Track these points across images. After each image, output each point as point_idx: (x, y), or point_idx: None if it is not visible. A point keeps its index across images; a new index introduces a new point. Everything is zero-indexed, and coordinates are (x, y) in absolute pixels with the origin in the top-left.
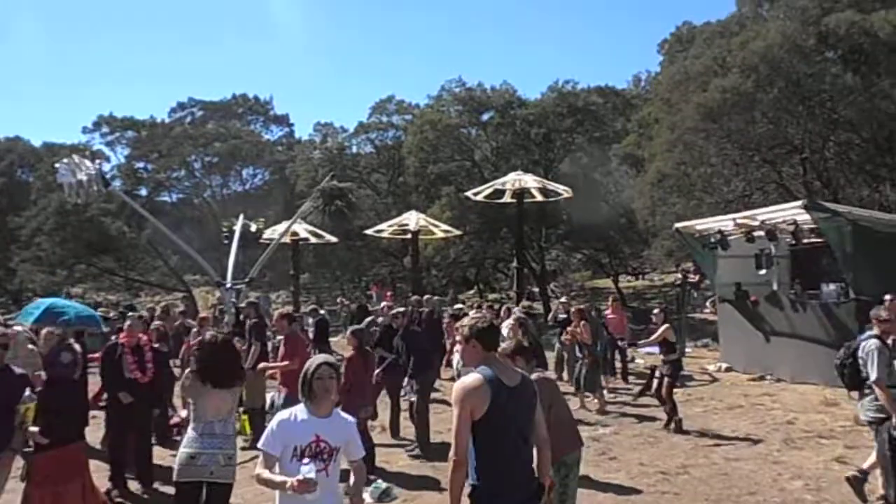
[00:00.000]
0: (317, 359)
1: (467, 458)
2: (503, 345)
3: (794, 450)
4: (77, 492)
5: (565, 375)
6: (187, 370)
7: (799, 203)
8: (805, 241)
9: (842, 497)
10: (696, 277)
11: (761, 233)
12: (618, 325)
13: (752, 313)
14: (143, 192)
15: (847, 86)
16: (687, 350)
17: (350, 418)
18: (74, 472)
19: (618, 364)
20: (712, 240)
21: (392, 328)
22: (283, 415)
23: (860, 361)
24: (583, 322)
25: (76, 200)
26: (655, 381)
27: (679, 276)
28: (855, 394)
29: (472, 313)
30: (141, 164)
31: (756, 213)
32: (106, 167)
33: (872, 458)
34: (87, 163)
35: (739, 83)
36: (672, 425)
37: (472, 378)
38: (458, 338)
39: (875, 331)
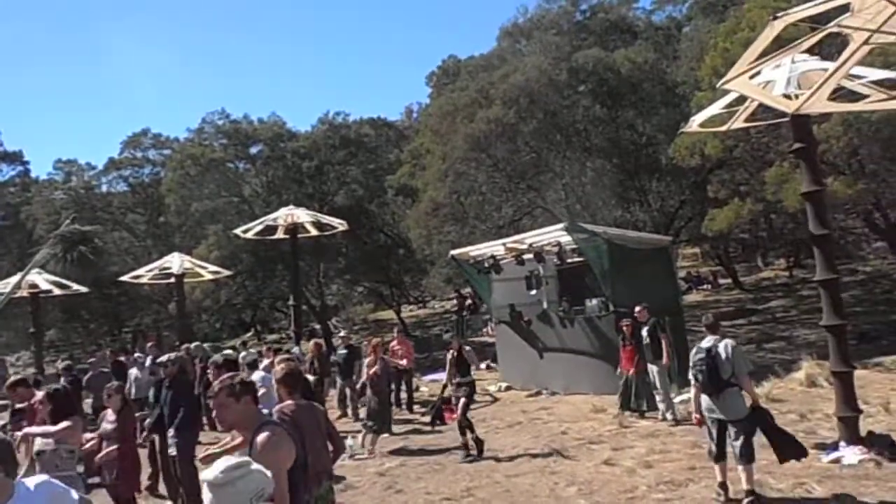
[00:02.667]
0: None
1: None
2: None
3: (567, 458)
4: None
5: (349, 412)
6: None
7: (561, 226)
8: (569, 260)
9: (611, 497)
10: (471, 302)
11: (530, 255)
12: (406, 354)
13: (527, 332)
14: None
15: (597, 116)
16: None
17: (39, 479)
18: None
19: (403, 394)
20: (486, 265)
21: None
22: None
23: (722, 362)
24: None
25: None
26: (459, 408)
27: (456, 302)
28: None
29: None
30: None
31: (524, 236)
32: None
33: (744, 476)
34: None
35: (503, 114)
36: (475, 448)
37: (274, 429)
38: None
39: (717, 335)
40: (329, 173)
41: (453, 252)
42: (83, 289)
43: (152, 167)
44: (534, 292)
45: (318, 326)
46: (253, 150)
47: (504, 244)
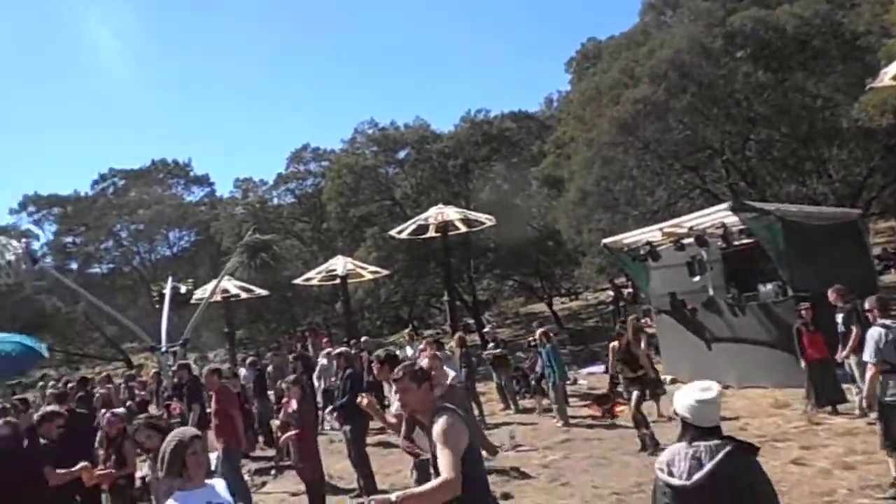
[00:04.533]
0: (187, 431)
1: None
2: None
3: None
4: None
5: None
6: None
7: (725, 206)
8: (736, 242)
9: (805, 499)
10: (630, 291)
11: (690, 240)
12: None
13: (691, 321)
14: (74, 265)
15: (760, 83)
16: None
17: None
18: None
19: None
20: (642, 252)
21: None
22: None
23: None
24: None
25: (6, 280)
26: (632, 402)
27: (612, 292)
28: None
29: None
30: (69, 239)
31: (683, 220)
32: (35, 245)
33: None
34: (14, 242)
35: (651, 92)
36: (648, 445)
37: (450, 414)
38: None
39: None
40: (474, 170)
41: (605, 241)
42: (264, 292)
43: (314, 178)
44: (697, 279)
45: (471, 321)
46: (401, 155)
47: (661, 229)
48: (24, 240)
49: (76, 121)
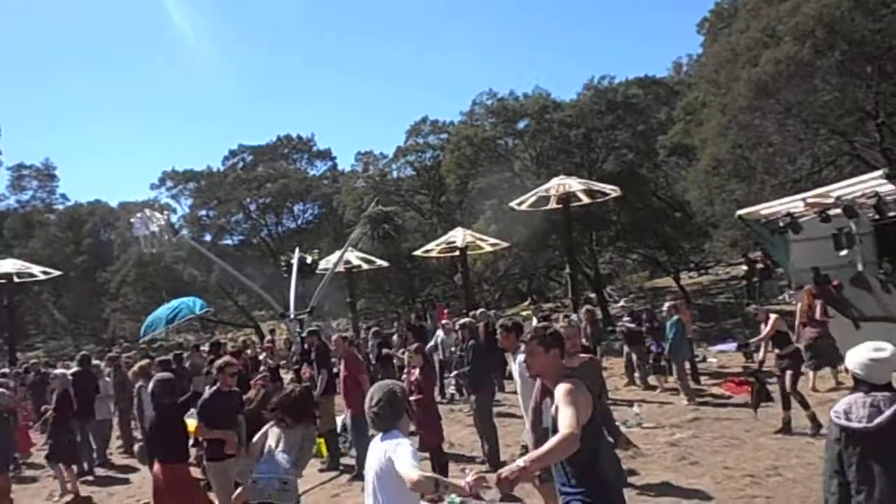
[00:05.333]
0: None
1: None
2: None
3: None
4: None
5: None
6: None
7: (879, 173)
8: (891, 213)
9: None
10: (764, 266)
11: (837, 210)
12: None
13: (836, 298)
14: (208, 237)
15: None
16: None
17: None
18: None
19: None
20: (781, 224)
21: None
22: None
23: None
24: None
25: (150, 250)
26: (787, 381)
27: (744, 267)
28: None
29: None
30: (203, 212)
31: (829, 189)
32: (174, 218)
33: None
34: (157, 214)
35: (795, 52)
36: (810, 423)
37: (575, 380)
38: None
39: None
40: (597, 140)
41: (740, 212)
42: (385, 263)
43: (432, 151)
44: (844, 252)
45: (592, 295)
46: (520, 125)
47: (804, 199)
48: (165, 213)
49: (208, 98)
